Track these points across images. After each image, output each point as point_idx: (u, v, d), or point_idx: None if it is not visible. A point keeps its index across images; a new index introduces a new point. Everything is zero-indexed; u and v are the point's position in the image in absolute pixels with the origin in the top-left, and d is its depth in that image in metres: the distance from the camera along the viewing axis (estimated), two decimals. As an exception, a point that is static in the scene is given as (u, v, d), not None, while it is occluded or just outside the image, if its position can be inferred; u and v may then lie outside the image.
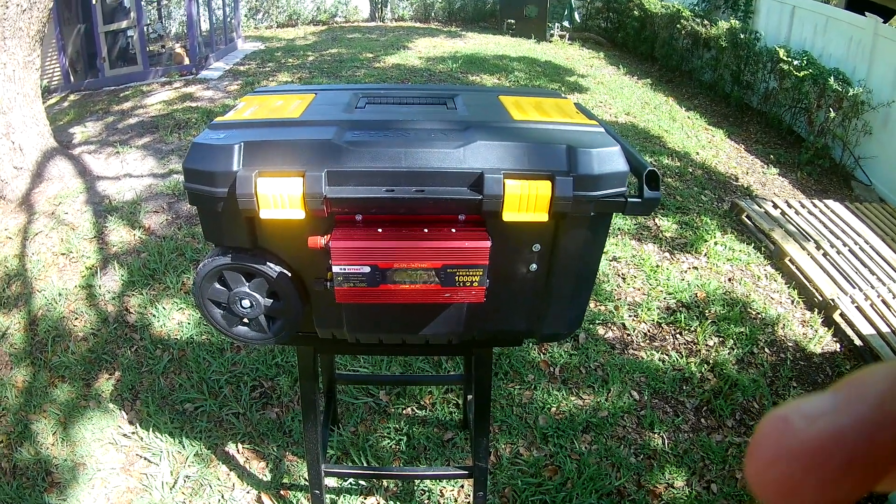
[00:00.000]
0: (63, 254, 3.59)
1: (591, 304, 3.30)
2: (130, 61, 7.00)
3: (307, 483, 2.20)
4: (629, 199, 1.12)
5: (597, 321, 3.18)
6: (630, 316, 3.25)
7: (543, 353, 2.95)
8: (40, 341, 3.03)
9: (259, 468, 2.41)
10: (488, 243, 1.09)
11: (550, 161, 1.10)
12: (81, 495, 2.35)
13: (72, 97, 6.60)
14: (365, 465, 2.38)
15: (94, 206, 4.01)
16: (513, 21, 10.73)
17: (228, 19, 8.76)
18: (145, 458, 2.48)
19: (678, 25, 8.27)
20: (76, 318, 3.15)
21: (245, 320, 1.32)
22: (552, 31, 10.46)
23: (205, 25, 7.97)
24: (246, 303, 1.28)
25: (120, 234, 3.73)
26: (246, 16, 10.83)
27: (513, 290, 1.25)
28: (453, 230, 1.12)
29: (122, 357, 2.93)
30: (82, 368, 2.88)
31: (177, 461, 2.45)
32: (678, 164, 5.26)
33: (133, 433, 2.59)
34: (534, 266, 1.21)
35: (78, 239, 3.70)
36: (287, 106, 1.32)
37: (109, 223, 3.83)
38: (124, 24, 6.87)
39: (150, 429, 2.57)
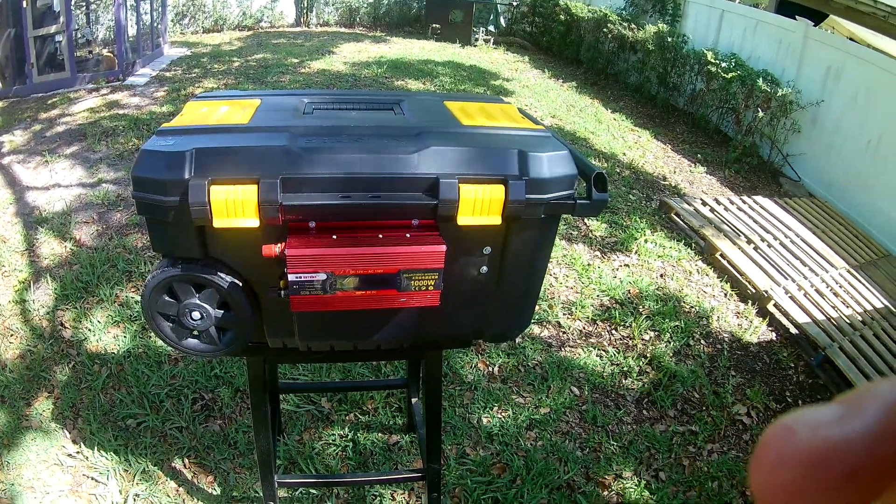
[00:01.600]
0: (-8, 268, 3.44)
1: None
2: (58, 67, 6.69)
3: (258, 495, 2.22)
4: (577, 201, 1.20)
5: (532, 321, 3.30)
6: (564, 314, 3.39)
7: (481, 354, 3.05)
8: (-29, 360, 2.90)
9: (207, 482, 2.39)
10: (444, 247, 1.12)
11: (503, 165, 1.16)
12: None
13: (0, 104, 6.28)
14: (314, 472, 2.40)
15: (24, 218, 3.85)
16: (438, 26, 10.76)
17: (155, 24, 8.51)
18: (92, 479, 2.41)
19: (605, 29, 8.51)
20: (11, 335, 3.03)
21: (195, 332, 1.29)
22: (477, 36, 10.58)
23: (132, 30, 7.71)
24: (196, 315, 1.25)
25: (51, 247, 3.60)
26: (172, 21, 10.50)
27: (463, 293, 1.29)
28: (408, 235, 1.15)
29: (61, 374, 2.84)
30: (21, 388, 2.77)
31: (125, 480, 2.40)
32: (606, 164, 5.49)
33: (78, 453, 2.51)
34: (484, 268, 1.26)
35: (9, 252, 3.54)
36: (234, 112, 1.30)
37: (40, 235, 3.69)
38: (53, 28, 6.56)
39: (95, 447, 2.50)
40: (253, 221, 1.09)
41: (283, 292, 1.16)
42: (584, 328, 3.32)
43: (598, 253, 4.03)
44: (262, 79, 7.34)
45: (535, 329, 3.26)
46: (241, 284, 1.23)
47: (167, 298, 1.24)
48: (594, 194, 1.19)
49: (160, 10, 8.67)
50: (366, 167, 1.12)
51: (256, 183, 1.07)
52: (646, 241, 4.17)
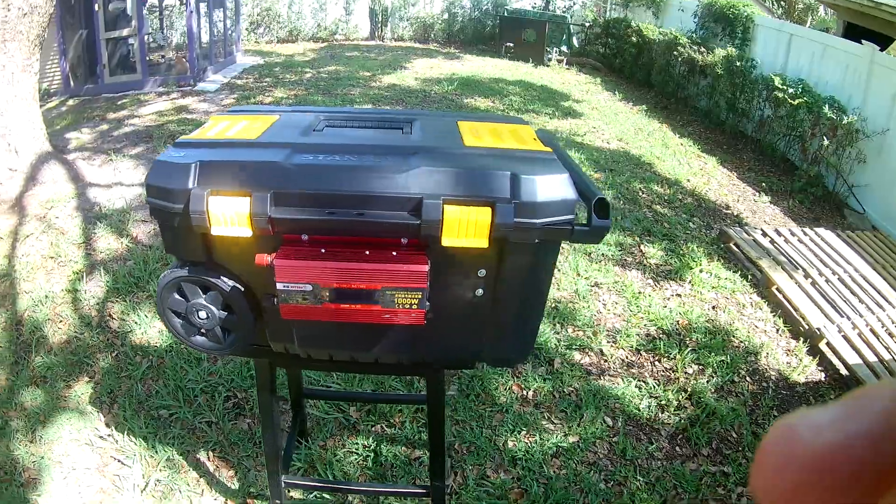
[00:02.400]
0: (52, 257, 3.64)
1: (569, 330, 3.32)
2: (130, 69, 7.08)
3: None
4: (576, 227, 1.14)
5: (573, 347, 3.20)
6: (608, 342, 3.27)
7: (517, 377, 2.97)
8: (24, 342, 3.07)
9: (227, 476, 2.43)
10: (426, 267, 1.11)
11: (492, 187, 1.12)
12: (55, 492, 2.37)
13: (70, 102, 6.68)
14: (331, 479, 2.39)
15: (85, 213, 4.06)
16: (511, 45, 10.85)
17: (229, 32, 8.86)
18: (119, 461, 2.50)
19: (675, 52, 8.34)
20: (60, 322, 3.19)
21: (202, 331, 1.35)
22: (550, 56, 10.58)
23: (205, 37, 8.07)
24: (202, 314, 1.31)
25: (108, 242, 3.78)
26: (247, 29, 10.94)
27: (460, 314, 1.27)
28: (394, 253, 1.15)
29: (103, 361, 2.96)
30: (63, 371, 2.91)
31: (149, 465, 2.47)
32: (668, 191, 5.30)
33: (109, 435, 2.61)
34: (480, 291, 1.22)
35: (67, 243, 3.75)
36: (249, 127, 1.36)
37: (98, 230, 3.88)
38: (125, 32, 6.96)
39: (126, 432, 2.59)
40: (246, 231, 1.15)
41: (275, 300, 1.20)
42: (626, 357, 3.18)
43: (650, 280, 3.87)
44: (332, 90, 7.54)
45: (577, 356, 3.15)
46: (242, 289, 1.28)
47: (177, 297, 1.31)
48: (594, 221, 1.13)
49: (234, 18, 9.04)
50: (354, 185, 1.14)
51: (250, 195, 1.13)
52: (701, 270, 3.97)
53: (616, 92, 8.93)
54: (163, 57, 7.97)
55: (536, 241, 1.14)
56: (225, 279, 1.26)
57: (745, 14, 8.00)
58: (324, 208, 1.14)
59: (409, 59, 10.24)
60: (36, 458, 2.50)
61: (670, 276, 3.93)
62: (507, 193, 1.11)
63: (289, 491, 2.32)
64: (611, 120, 7.34)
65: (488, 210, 1.10)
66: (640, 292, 3.70)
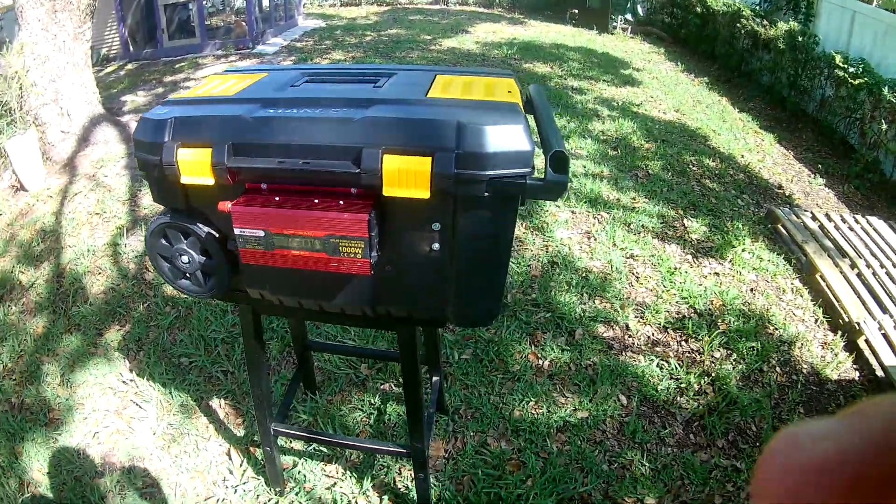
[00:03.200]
0: (97, 213, 3.82)
1: (597, 301, 3.22)
2: (189, 33, 7.25)
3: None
4: (529, 182, 1.07)
5: (598, 319, 3.09)
6: (636, 317, 3.14)
7: (535, 346, 2.90)
8: (64, 292, 3.24)
9: (235, 423, 2.50)
10: (366, 216, 1.09)
11: (436, 136, 1.08)
12: (75, 431, 2.52)
13: (129, 66, 6.92)
14: (331, 432, 2.42)
15: (133, 171, 4.23)
16: (576, 11, 10.60)
17: None
18: (137, 405, 2.63)
19: (738, 24, 7.90)
20: (99, 274, 3.35)
21: (186, 274, 1.43)
22: (615, 24, 10.21)
23: (265, 1, 8.15)
24: (184, 258, 1.40)
25: (151, 200, 3.92)
26: (311, -8, 11.00)
27: (419, 269, 1.24)
28: (340, 202, 1.14)
29: (135, 311, 3.10)
30: (97, 319, 3.07)
31: (164, 409, 2.59)
32: (720, 165, 5.01)
33: (131, 381, 2.74)
34: (436, 245, 1.19)
35: (112, 200, 3.92)
36: (234, 85, 1.41)
37: (144, 188, 4.04)
38: None
39: (146, 378, 2.72)
40: (209, 179, 1.21)
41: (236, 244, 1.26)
42: (652, 334, 3.05)
43: (689, 256, 3.69)
44: (391, 54, 7.51)
45: (600, 328, 3.05)
46: (216, 235, 1.35)
47: (163, 242, 1.40)
48: (549, 175, 1.06)
49: None
50: (303, 135, 1.15)
51: (211, 147, 1.19)
52: (743, 250, 3.74)
53: (678, 63, 8.50)
54: (222, 21, 8.13)
55: (486, 194, 1.09)
56: (201, 225, 1.33)
57: None
58: (276, 158, 1.16)
59: (472, 24, 10.06)
60: (62, 399, 2.65)
61: (710, 253, 3.72)
62: (451, 143, 1.07)
63: (290, 442, 2.38)
64: (670, 90, 7.00)
65: (427, 160, 1.06)
66: (676, 268, 3.53)
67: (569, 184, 1.13)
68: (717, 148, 5.39)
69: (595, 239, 3.77)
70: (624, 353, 2.92)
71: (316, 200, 1.15)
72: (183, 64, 6.70)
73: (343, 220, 1.11)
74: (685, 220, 4.02)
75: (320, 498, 2.20)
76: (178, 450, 2.41)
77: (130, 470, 2.35)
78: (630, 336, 3.03)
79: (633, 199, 4.27)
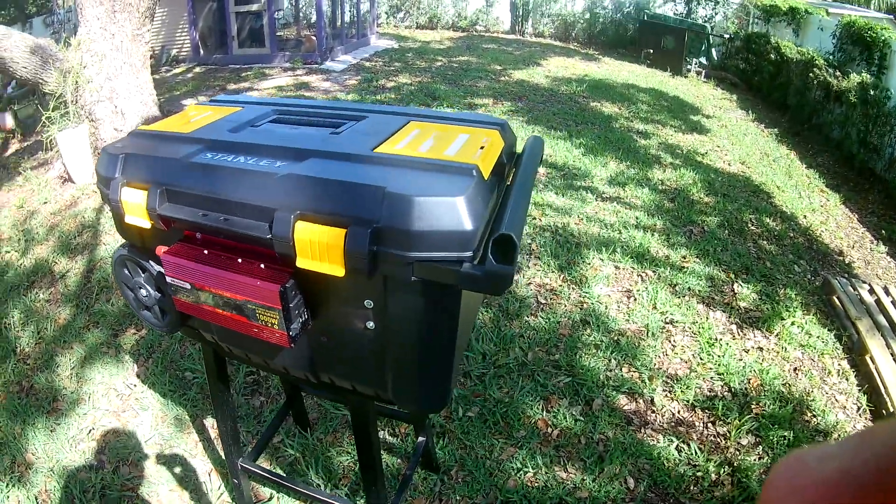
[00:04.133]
0: (138, 212, 3.91)
1: (624, 369, 3.00)
2: (259, 43, 7.38)
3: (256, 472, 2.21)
4: (464, 270, 0.89)
5: (622, 389, 2.87)
6: (663, 391, 2.90)
7: (547, 412, 2.72)
8: (90, 288, 3.32)
9: (222, 446, 2.45)
10: (277, 287, 0.98)
11: (355, 206, 0.93)
12: (73, 424, 2.57)
13: (197, 69, 7.12)
14: (314, 473, 2.33)
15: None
16: (651, 51, 10.35)
17: (364, 14, 8.96)
18: (135, 410, 2.65)
19: (811, 74, 7.46)
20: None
21: (147, 307, 1.39)
22: (689, 67, 9.92)
23: (336, 18, 8.23)
24: (143, 291, 1.36)
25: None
26: (387, 13, 11.16)
27: (355, 345, 1.12)
28: (262, 266, 1.03)
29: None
30: (115, 320, 3.11)
31: (159, 419, 2.59)
32: (780, 226, 4.66)
33: (135, 386, 2.76)
34: (370, 323, 1.06)
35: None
36: (201, 119, 1.36)
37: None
38: (255, 7, 7.25)
39: (149, 385, 2.73)
40: (145, 223, 1.15)
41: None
42: (677, 412, 2.80)
43: (733, 326, 3.40)
44: (458, 81, 7.49)
45: (622, 400, 2.82)
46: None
47: (126, 272, 1.36)
48: (488, 263, 0.87)
49: (368, 0, 9.15)
50: (228, 188, 1.05)
51: (146, 190, 1.13)
52: (793, 323, 3.41)
53: (750, 111, 8.10)
54: (293, 33, 8.28)
55: (413, 279, 0.93)
56: (153, 263, 1.28)
57: (883, 38, 6.89)
58: (200, 210, 1.07)
59: (545, 57, 9.93)
60: (68, 392, 2.70)
61: (757, 324, 3.42)
62: (371, 214, 0.91)
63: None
64: (737, 140, 6.65)
65: (341, 233, 0.91)
66: (717, 339, 3.26)
67: (514, 275, 0.92)
68: (780, 206, 5.03)
69: (635, 299, 3.54)
70: (642, 431, 2.68)
71: (239, 260, 1.05)
72: (249, 73, 6.84)
73: (258, 288, 1.01)
74: (735, 285, 3.73)
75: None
76: (164, 460, 2.41)
77: (115, 471, 2.37)
78: (653, 412, 2.79)
79: (684, 257, 4.01)
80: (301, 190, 0.98)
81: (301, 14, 9.28)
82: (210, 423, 2.57)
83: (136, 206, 1.13)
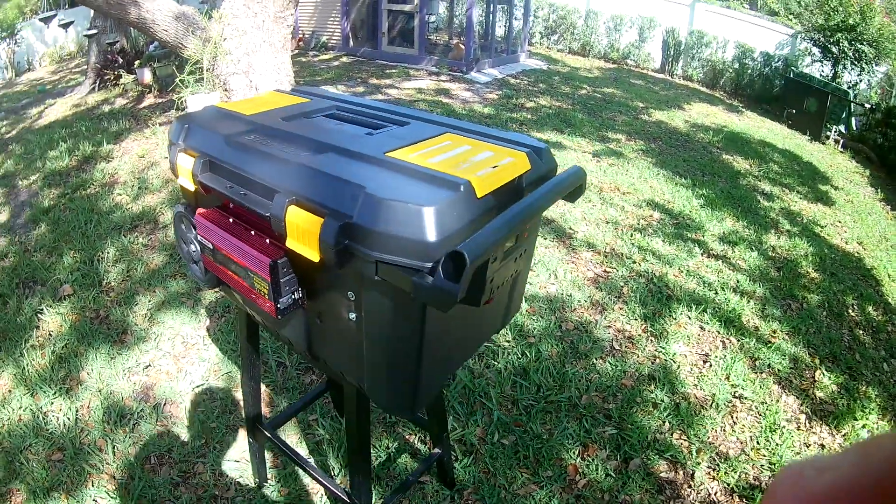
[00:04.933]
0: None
1: (674, 435, 2.85)
2: (408, 43, 7.59)
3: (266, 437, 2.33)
4: (417, 280, 0.91)
5: (665, 455, 2.74)
6: (708, 467, 2.72)
7: (582, 459, 2.64)
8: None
9: (243, 406, 2.60)
10: (268, 260, 1.09)
11: (336, 199, 1.01)
12: (131, 357, 2.87)
13: (344, 59, 7.43)
14: (333, 456, 2.43)
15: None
16: (793, 111, 9.76)
17: (515, 31, 9.03)
18: (193, 359, 2.89)
19: None
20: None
21: (194, 261, 1.53)
22: (828, 133, 9.25)
23: (496, 31, 8.28)
24: (192, 247, 1.49)
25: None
26: (541, 34, 11.21)
27: (340, 334, 1.19)
28: (267, 241, 1.15)
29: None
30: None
31: (211, 372, 2.83)
32: (881, 317, 4.19)
33: (202, 338, 3.00)
34: (352, 315, 1.12)
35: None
36: (264, 106, 1.51)
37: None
38: (407, 7, 7.45)
39: (214, 340, 2.96)
40: (191, 186, 1.32)
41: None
42: (714, 494, 2.61)
43: (802, 415, 3.12)
44: (597, 112, 7.44)
45: (662, 467, 2.65)
46: None
47: (182, 227, 1.51)
48: (436, 276, 0.88)
49: (522, 18, 9.19)
50: (256, 169, 1.17)
51: (195, 157, 1.29)
52: (864, 426, 3.07)
53: (879, 190, 7.38)
54: (444, 39, 8.46)
55: (376, 278, 0.99)
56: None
57: None
58: (228, 182, 1.21)
59: (689, 101, 9.62)
60: (138, 328, 2.99)
61: (827, 419, 3.10)
62: (347, 210, 0.98)
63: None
64: (860, 219, 6.10)
65: (319, 221, 1.00)
66: (781, 426, 3.01)
67: (458, 294, 0.89)
68: (886, 296, 4.55)
69: (710, 365, 3.35)
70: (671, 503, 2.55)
71: (252, 233, 1.18)
72: (394, 71, 7.03)
73: (255, 258, 1.13)
74: (818, 372, 3.43)
75: (289, 506, 2.20)
76: (203, 410, 2.60)
77: (156, 407, 2.61)
78: (689, 486, 2.63)
79: (774, 331, 3.74)
80: (302, 178, 1.08)
81: (455, 21, 9.51)
82: (262, 389, 2.72)
83: (186, 170, 1.30)
